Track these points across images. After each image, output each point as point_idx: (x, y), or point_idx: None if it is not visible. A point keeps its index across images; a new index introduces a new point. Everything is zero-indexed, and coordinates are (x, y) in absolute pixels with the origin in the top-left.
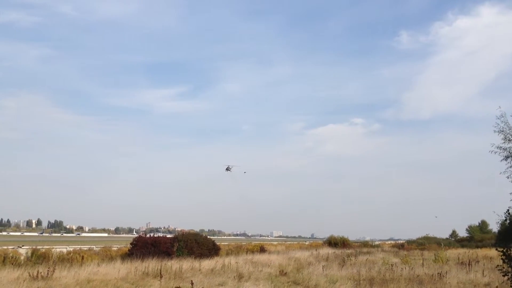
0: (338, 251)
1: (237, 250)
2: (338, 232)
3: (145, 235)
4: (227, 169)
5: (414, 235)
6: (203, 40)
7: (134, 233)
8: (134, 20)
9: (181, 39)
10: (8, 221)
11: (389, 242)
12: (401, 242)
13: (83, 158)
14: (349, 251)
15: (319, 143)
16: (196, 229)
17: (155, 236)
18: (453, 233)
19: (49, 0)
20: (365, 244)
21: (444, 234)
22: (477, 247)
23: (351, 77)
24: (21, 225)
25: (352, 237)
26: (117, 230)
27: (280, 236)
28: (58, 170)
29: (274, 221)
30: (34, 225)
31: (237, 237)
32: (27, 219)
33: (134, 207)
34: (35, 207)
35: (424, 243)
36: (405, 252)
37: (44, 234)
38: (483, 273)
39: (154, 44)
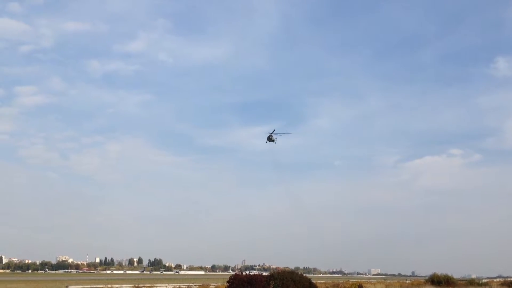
0: None
1: None
2: (440, 269)
3: (241, 273)
4: (270, 138)
5: None
6: (293, 77)
7: (230, 270)
8: (225, 62)
9: (271, 77)
10: (112, 260)
11: (498, 279)
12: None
13: (180, 197)
14: None
15: (415, 176)
16: (291, 266)
17: (251, 274)
18: None
19: (147, 49)
20: (471, 282)
21: None
22: None
23: (447, 107)
24: (124, 264)
25: (456, 274)
26: (213, 268)
27: (378, 274)
28: (157, 209)
29: (372, 257)
30: (135, 263)
31: (334, 275)
32: (129, 258)
33: (230, 244)
34: (137, 245)
35: None
36: None
37: (145, 272)
38: None
39: (245, 84)
